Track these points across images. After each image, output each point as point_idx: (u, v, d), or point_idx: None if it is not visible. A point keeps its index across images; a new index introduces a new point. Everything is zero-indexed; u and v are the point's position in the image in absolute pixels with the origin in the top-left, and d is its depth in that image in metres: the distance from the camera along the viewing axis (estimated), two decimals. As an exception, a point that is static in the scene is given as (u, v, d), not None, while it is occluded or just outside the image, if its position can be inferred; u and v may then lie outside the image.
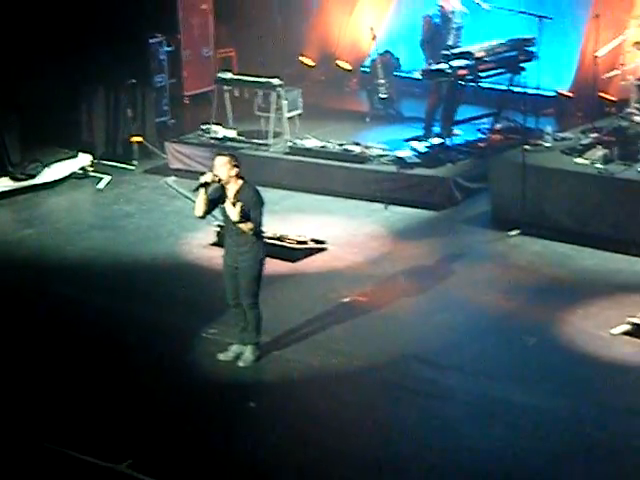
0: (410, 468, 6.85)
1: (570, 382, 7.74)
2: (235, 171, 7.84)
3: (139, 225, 11.03)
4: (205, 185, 7.77)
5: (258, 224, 7.85)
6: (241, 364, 8.10)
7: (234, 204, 7.75)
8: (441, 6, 11.64)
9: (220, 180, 7.80)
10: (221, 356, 8.18)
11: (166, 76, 13.77)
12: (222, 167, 7.81)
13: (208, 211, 7.92)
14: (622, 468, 6.76)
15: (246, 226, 7.80)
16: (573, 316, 8.62)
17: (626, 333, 8.26)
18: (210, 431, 7.33)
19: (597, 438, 7.05)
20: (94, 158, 12.57)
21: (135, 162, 12.68)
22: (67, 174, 12.27)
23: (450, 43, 11.55)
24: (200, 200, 7.83)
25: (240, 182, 7.87)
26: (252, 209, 7.83)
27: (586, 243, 9.85)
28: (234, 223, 7.80)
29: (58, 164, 12.30)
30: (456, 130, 11.88)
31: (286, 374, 8.02)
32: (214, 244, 10.07)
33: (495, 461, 6.89)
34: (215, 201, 7.89)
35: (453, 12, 11.64)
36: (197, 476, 6.88)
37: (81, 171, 12.39)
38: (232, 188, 7.85)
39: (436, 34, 11.61)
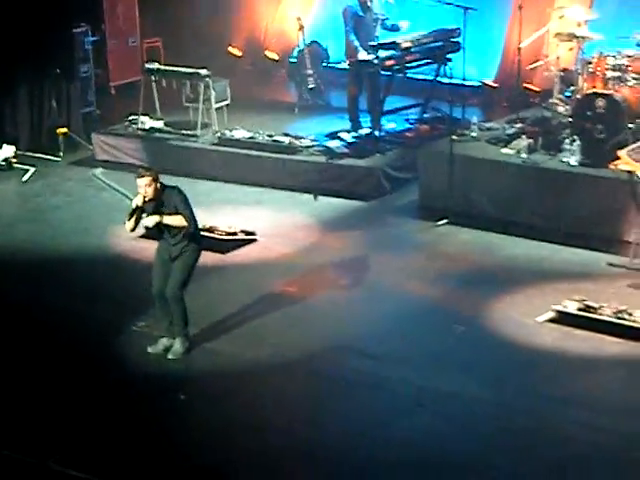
0: (342, 459, 6.87)
1: (499, 370, 7.85)
2: (159, 184, 7.89)
3: (66, 218, 10.88)
4: (137, 209, 7.85)
5: (189, 217, 7.89)
6: (171, 356, 8.07)
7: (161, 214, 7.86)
8: None
9: (151, 199, 7.84)
10: (150, 349, 8.14)
11: (91, 66, 13.59)
12: (148, 187, 7.84)
13: (137, 225, 8.00)
14: (554, 456, 6.86)
15: (174, 218, 7.83)
16: (500, 304, 8.75)
17: (552, 320, 8.42)
18: (141, 424, 7.28)
19: (527, 426, 7.16)
20: (18, 150, 12.36)
21: (61, 154, 12.50)
22: (-10, 166, 12.08)
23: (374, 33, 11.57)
24: (132, 221, 7.93)
25: (164, 190, 7.91)
26: (179, 205, 7.88)
27: (512, 232, 10.00)
28: (162, 222, 7.85)
29: (-19, 156, 12.09)
30: (390, 124, 11.94)
31: (217, 366, 8.00)
32: (143, 236, 9.98)
33: (425, 451, 6.95)
34: (144, 212, 7.94)
35: (372, 1, 11.66)
36: (128, 470, 6.83)
37: (4, 163, 12.17)
38: (159, 199, 7.89)
39: (358, 24, 11.61)
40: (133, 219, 7.95)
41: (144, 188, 7.84)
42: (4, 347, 8.24)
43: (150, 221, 7.89)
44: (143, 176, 7.87)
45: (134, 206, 7.90)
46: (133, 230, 8.09)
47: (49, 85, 12.73)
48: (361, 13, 11.62)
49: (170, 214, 7.87)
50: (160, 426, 7.27)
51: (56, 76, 12.70)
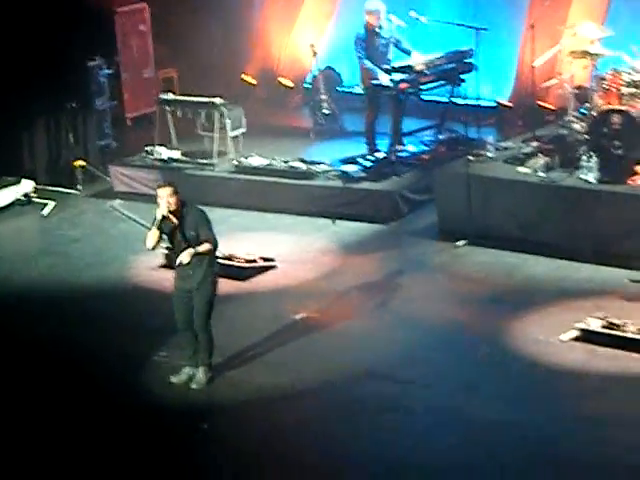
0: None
1: (524, 390, 7.80)
2: (179, 196, 7.87)
3: (85, 250, 10.92)
4: (163, 219, 7.81)
5: (214, 239, 7.88)
6: (194, 386, 8.06)
7: (188, 245, 7.82)
8: (367, 22, 11.69)
9: (173, 212, 7.81)
10: (173, 379, 8.14)
11: (107, 99, 13.67)
12: (171, 197, 7.82)
13: (159, 242, 7.97)
14: (583, 476, 6.80)
15: (204, 248, 7.82)
16: (523, 324, 8.70)
17: (575, 339, 8.36)
18: (163, 454, 7.26)
19: (554, 445, 7.09)
20: (37, 184, 12.44)
21: (79, 186, 12.57)
22: (10, 201, 12.12)
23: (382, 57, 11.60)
24: (154, 233, 7.87)
25: (184, 207, 7.91)
26: (202, 227, 7.86)
27: (532, 251, 9.95)
28: (195, 254, 7.79)
29: (0, 192, 12.14)
30: (410, 146, 11.96)
31: (239, 395, 7.98)
32: (162, 266, 10.01)
33: (452, 474, 6.91)
34: (163, 231, 7.92)
35: (380, 27, 11.68)
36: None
37: (24, 198, 12.24)
38: (179, 214, 7.87)
39: (369, 49, 11.63)
40: (157, 232, 7.84)
41: (166, 198, 7.80)
42: (25, 381, 8.24)
43: (186, 257, 7.79)
44: (164, 186, 7.85)
45: (159, 217, 7.81)
46: (154, 247, 7.98)
47: (65, 119, 12.82)
48: (369, 38, 11.64)
49: (189, 234, 7.81)
50: (183, 456, 7.24)
51: (72, 110, 12.79)
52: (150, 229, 7.96)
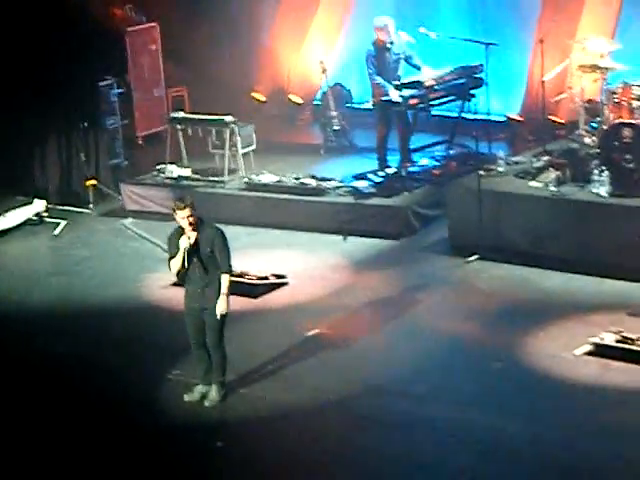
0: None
1: (537, 405, 7.78)
2: (196, 214, 7.84)
3: (97, 269, 10.94)
4: (186, 249, 7.76)
5: (230, 265, 7.88)
6: (207, 404, 8.05)
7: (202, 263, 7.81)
8: (377, 38, 11.70)
9: (193, 229, 7.77)
10: (186, 397, 8.14)
11: (118, 118, 13.71)
12: (191, 217, 7.77)
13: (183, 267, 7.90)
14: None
15: (227, 284, 7.82)
16: (536, 338, 8.68)
17: (589, 353, 8.33)
18: (178, 473, 7.25)
19: (568, 460, 7.07)
20: (49, 203, 12.48)
21: (90, 205, 12.61)
22: (22, 221, 12.18)
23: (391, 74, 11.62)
24: (180, 261, 7.81)
25: (201, 224, 7.89)
26: (221, 252, 7.84)
27: (544, 265, 9.93)
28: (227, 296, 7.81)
29: (13, 212, 12.19)
30: (424, 159, 11.95)
31: (253, 412, 7.97)
32: (174, 284, 10.01)
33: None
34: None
35: (392, 43, 11.71)
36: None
37: (36, 217, 12.29)
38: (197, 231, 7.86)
39: (379, 65, 11.66)
40: (182, 258, 7.74)
41: (187, 219, 7.74)
42: (40, 398, 8.25)
43: (224, 307, 7.79)
44: (184, 207, 7.74)
45: (187, 246, 7.71)
46: (179, 273, 7.89)
47: (77, 138, 12.89)
48: (380, 54, 11.66)
49: (205, 250, 7.79)
50: (197, 474, 7.23)
51: (83, 129, 12.86)
52: (169, 254, 7.87)
